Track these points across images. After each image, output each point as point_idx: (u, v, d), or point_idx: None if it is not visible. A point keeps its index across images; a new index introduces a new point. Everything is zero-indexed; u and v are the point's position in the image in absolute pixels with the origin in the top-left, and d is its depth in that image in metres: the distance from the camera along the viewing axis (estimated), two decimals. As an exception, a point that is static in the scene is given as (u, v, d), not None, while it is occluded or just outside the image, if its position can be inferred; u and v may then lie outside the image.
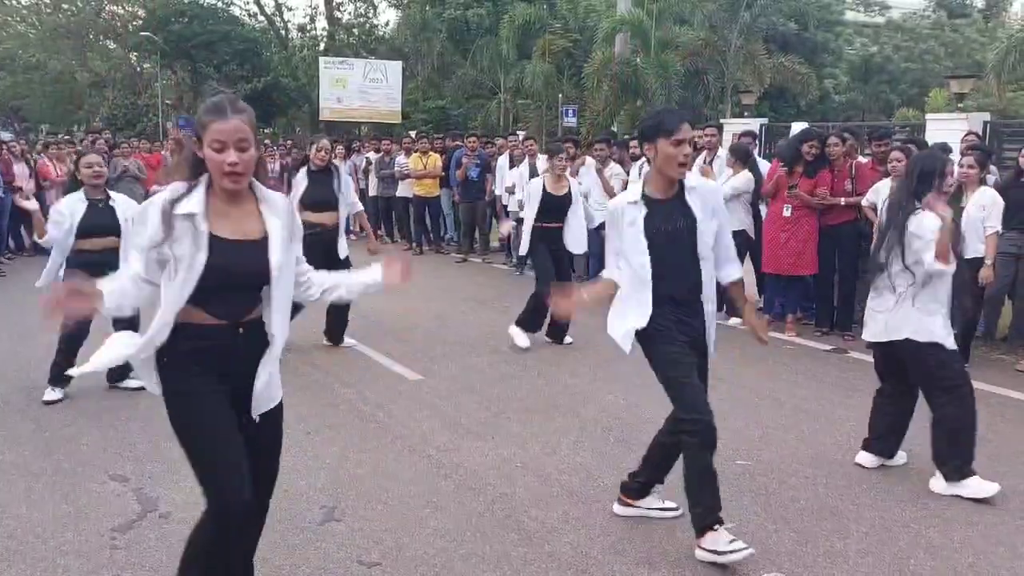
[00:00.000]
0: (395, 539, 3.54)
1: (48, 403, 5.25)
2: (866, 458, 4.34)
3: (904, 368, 4.20)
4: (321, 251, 5.83)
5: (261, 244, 2.57)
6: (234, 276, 2.54)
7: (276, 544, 3.49)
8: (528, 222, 6.88)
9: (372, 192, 13.45)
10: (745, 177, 7.59)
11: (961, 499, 3.95)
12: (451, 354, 6.66)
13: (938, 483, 4.05)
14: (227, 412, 2.60)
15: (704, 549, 3.33)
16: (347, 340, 6.83)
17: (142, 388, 5.50)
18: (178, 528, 3.62)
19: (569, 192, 6.91)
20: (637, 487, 3.72)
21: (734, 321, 7.55)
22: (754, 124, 14.27)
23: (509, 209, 10.89)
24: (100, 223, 5.26)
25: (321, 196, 6.41)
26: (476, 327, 7.64)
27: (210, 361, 2.56)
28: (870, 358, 6.44)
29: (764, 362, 6.45)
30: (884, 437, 4.32)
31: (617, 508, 3.77)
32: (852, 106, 33.04)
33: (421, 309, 8.36)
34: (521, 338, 6.76)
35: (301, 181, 6.48)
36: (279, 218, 2.62)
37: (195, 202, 2.51)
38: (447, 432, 4.86)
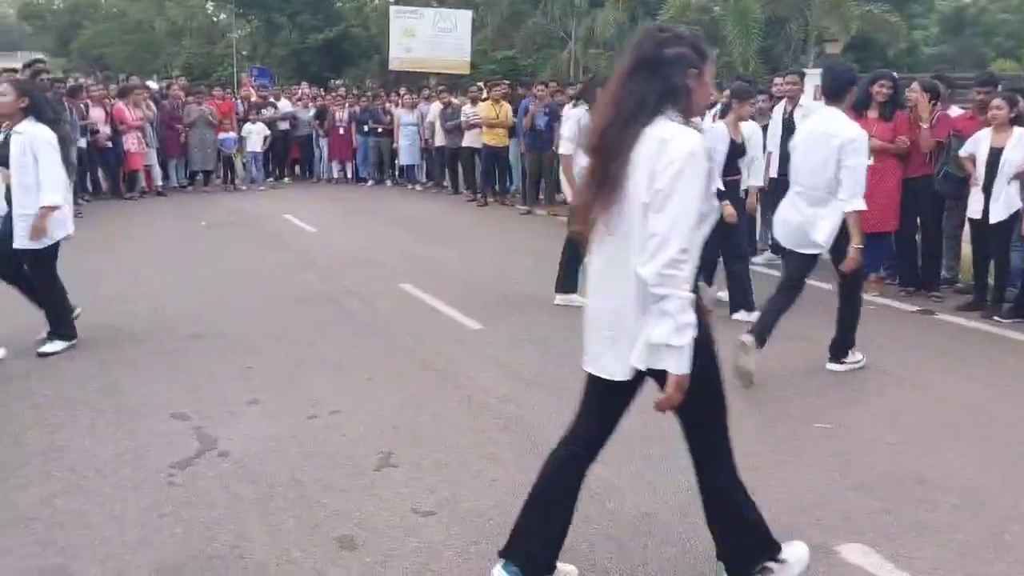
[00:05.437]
0: (451, 489, 3.44)
1: (45, 355, 5.07)
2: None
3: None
4: None
5: None
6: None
7: (330, 487, 3.43)
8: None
9: (438, 142, 13.37)
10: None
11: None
12: (513, 305, 6.51)
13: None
14: None
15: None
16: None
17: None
18: (235, 467, 3.60)
19: (743, 141, 6.19)
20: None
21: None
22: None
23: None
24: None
25: None
26: (539, 280, 7.45)
27: None
28: (958, 320, 6.11)
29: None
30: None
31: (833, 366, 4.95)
32: (942, 59, 31.36)
33: (483, 261, 8.22)
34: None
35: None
36: None
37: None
38: (508, 383, 4.73)
